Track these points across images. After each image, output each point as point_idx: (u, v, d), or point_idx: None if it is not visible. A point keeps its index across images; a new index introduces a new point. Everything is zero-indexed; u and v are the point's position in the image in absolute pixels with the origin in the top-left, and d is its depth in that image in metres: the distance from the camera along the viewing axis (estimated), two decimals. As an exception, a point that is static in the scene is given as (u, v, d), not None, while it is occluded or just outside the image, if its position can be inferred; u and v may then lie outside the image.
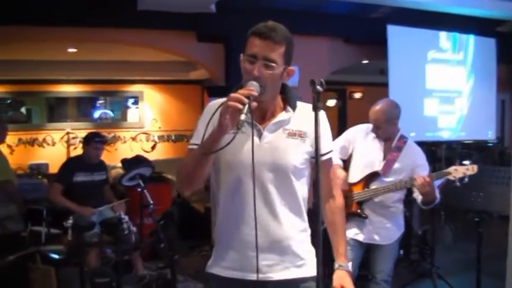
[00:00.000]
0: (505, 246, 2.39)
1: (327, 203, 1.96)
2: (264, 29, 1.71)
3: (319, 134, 1.60)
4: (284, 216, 1.81)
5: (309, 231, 1.92)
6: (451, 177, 2.98)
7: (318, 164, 1.59)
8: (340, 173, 3.27)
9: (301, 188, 1.86)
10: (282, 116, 1.83)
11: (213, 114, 1.66)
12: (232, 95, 1.58)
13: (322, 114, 1.86)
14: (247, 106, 1.56)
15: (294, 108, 1.85)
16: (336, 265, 1.92)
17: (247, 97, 1.58)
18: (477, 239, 3.85)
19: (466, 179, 2.97)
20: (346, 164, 3.40)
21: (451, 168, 2.99)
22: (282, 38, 1.71)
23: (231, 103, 1.56)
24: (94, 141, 4.66)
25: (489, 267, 4.00)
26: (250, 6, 5.28)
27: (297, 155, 1.81)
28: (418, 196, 3.09)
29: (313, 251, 1.89)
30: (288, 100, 1.86)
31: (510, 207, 2.79)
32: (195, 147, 1.79)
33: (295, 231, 1.85)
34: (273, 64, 1.70)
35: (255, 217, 1.73)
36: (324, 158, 1.88)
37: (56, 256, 2.09)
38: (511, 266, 2.36)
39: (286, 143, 1.81)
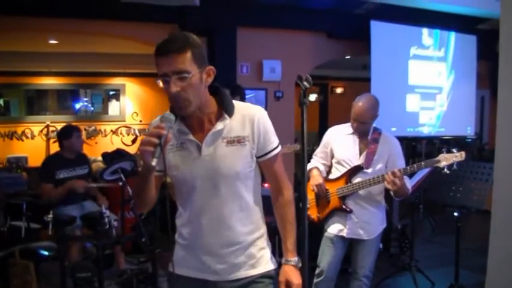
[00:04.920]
0: (483, 240, 2.44)
1: (276, 198, 1.99)
2: (163, 44, 1.68)
3: (305, 129, 1.60)
4: (234, 222, 1.86)
5: (262, 229, 1.95)
6: (440, 165, 3.03)
7: (304, 156, 1.60)
8: (316, 176, 3.30)
9: (250, 191, 1.90)
10: (218, 125, 1.81)
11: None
12: (144, 138, 1.64)
13: (261, 111, 1.87)
14: (158, 150, 1.61)
15: (230, 113, 1.82)
16: (283, 260, 1.95)
17: (159, 137, 1.62)
18: (456, 233, 3.92)
19: (455, 166, 3.03)
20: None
21: (441, 156, 3.04)
22: (182, 45, 1.67)
23: (143, 148, 1.62)
24: (76, 132, 4.64)
25: (467, 260, 4.09)
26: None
27: (238, 160, 1.82)
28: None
29: (267, 247, 1.96)
30: (225, 106, 1.83)
31: (492, 203, 2.84)
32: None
33: (247, 234, 1.89)
34: (186, 74, 1.67)
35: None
36: (269, 156, 1.89)
37: (45, 253, 2.07)
38: (492, 263, 2.40)
39: (226, 152, 1.81)
